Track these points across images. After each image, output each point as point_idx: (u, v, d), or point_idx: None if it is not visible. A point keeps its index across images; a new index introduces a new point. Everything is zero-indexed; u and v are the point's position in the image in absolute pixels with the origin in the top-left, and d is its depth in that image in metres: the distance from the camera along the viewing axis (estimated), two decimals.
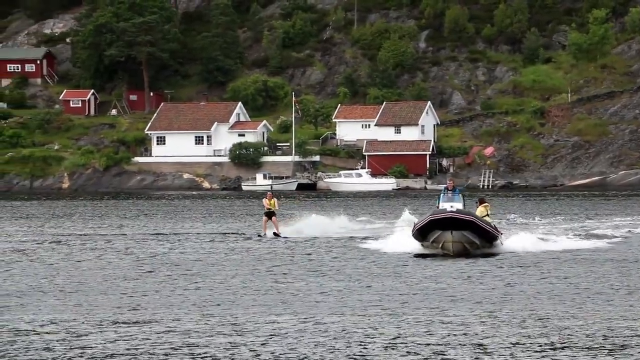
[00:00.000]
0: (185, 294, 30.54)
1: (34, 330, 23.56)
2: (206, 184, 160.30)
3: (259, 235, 54.79)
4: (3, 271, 40.46)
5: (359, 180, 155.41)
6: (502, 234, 42.78)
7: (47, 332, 23.14)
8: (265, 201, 55.00)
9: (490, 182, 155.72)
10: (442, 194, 42.48)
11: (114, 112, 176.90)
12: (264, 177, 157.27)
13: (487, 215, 42.34)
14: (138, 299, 29.43)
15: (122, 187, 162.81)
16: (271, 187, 66.48)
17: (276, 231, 54.32)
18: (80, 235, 66.86)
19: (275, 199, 55.95)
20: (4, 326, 24.73)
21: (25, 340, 22.15)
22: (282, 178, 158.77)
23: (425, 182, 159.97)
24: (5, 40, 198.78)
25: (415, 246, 43.61)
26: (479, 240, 40.21)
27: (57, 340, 22.21)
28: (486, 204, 42.73)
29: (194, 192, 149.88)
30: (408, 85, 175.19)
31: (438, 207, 41.90)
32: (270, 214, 54.60)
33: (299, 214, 67.78)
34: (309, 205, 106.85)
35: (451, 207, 40.15)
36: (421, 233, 40.78)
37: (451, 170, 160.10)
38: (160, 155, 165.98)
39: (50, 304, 29.92)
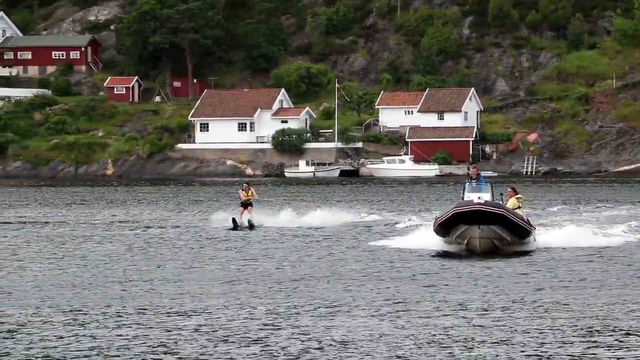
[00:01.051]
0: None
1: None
2: (249, 171, 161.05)
3: (233, 223, 52.40)
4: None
5: (402, 166, 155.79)
6: (535, 228, 38.64)
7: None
8: (241, 193, 54.78)
9: (534, 168, 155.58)
10: (466, 184, 38.96)
11: (157, 98, 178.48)
12: (307, 163, 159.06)
13: (519, 207, 38.19)
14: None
15: (165, 174, 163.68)
16: (249, 182, 65.94)
17: (252, 222, 52.66)
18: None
19: (253, 189, 55.49)
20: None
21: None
22: (324, 165, 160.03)
23: (468, 169, 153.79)
24: (50, 27, 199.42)
25: (431, 243, 39.37)
26: (510, 236, 35.95)
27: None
28: (519, 195, 38.73)
29: (236, 179, 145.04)
30: (451, 71, 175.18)
31: (462, 197, 38.21)
32: (246, 205, 53.78)
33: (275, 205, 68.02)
34: (315, 194, 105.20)
35: (478, 198, 36.28)
36: (444, 227, 36.61)
37: (494, 156, 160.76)
38: (204, 142, 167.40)
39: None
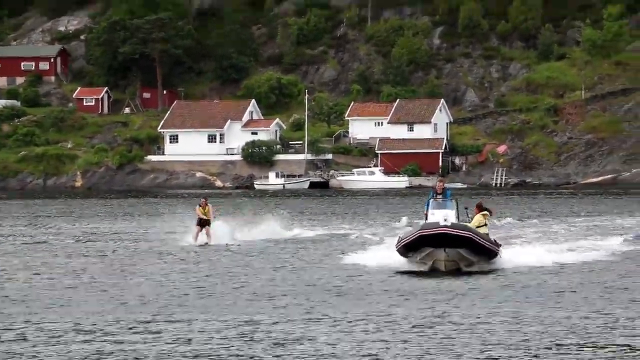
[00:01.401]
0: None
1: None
2: (219, 183, 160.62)
3: (193, 243, 49.85)
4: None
5: (372, 178, 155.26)
6: (500, 246, 36.86)
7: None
8: (198, 210, 50.86)
9: (503, 180, 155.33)
10: (430, 199, 36.48)
11: (127, 110, 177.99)
12: (277, 175, 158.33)
13: (485, 224, 36.24)
14: None
15: (135, 186, 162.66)
16: (205, 197, 60.38)
17: (209, 238, 49.67)
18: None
19: (210, 206, 51.76)
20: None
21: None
22: (294, 176, 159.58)
23: (436, 180, 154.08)
24: (20, 37, 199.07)
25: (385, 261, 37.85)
26: (476, 258, 34.66)
27: None
28: (485, 212, 36.28)
29: (206, 191, 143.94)
30: (422, 82, 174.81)
31: (426, 214, 36.09)
32: (203, 223, 50.26)
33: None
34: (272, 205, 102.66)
35: (445, 219, 34.18)
36: (408, 249, 35.10)
37: (464, 168, 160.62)
38: (173, 153, 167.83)
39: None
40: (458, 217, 34.89)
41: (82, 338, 23.82)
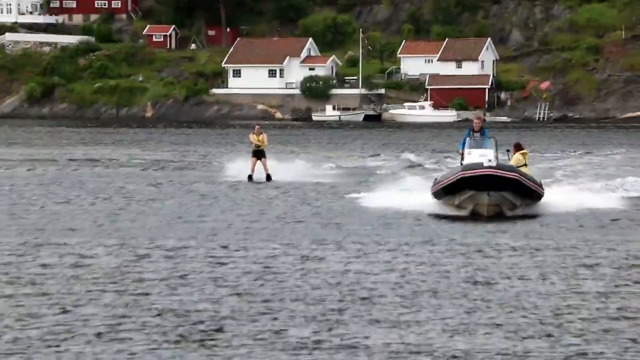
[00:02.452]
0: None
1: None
2: (279, 115, 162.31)
3: (249, 178, 46.69)
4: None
5: (422, 112, 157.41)
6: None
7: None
8: (252, 136, 47.84)
9: (546, 114, 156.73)
10: (467, 137, 33.57)
11: (193, 46, 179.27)
12: (333, 108, 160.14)
13: (525, 165, 33.21)
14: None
15: (200, 116, 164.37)
16: (259, 124, 55.19)
17: (268, 173, 46.85)
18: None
19: (265, 134, 48.39)
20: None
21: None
22: (349, 110, 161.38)
23: (484, 115, 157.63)
24: None
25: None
26: (520, 201, 31.52)
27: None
28: (524, 150, 33.47)
29: (267, 122, 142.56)
30: (469, 22, 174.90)
31: (462, 153, 33.12)
32: (259, 154, 47.20)
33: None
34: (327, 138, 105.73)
35: (489, 160, 30.91)
36: (447, 191, 31.67)
37: (509, 103, 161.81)
38: (236, 87, 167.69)
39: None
40: (497, 157, 31.64)
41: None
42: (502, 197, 30.12)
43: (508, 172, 30.08)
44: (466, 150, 32.22)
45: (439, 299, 18.29)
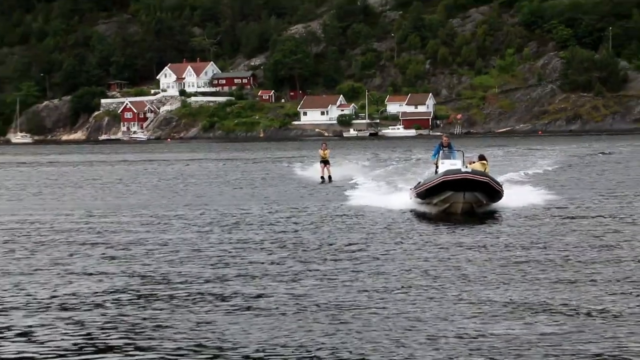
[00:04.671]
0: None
1: None
2: (326, 134, 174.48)
3: (322, 179, 44.39)
4: None
5: (398, 131, 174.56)
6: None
7: None
8: (320, 151, 45.71)
9: (460, 131, 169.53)
10: (439, 150, 30.45)
11: (283, 100, 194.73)
12: (353, 130, 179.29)
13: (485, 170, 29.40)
14: None
15: (287, 136, 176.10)
16: (325, 142, 50.34)
17: (330, 175, 44.74)
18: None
19: (329, 150, 45.81)
20: None
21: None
22: (362, 130, 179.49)
23: (429, 132, 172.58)
24: (234, 67, 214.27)
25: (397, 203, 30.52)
26: (487, 200, 27.85)
27: None
28: (484, 161, 30.01)
29: (321, 137, 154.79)
30: (422, 85, 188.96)
31: (437, 163, 30.06)
32: (325, 162, 45.24)
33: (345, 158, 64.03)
34: (357, 148, 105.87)
35: (466, 167, 27.88)
36: (430, 192, 27.89)
37: (441, 126, 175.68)
38: (305, 121, 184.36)
39: None
40: (463, 164, 29.11)
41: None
42: (474, 196, 27.12)
43: (481, 177, 27.16)
44: (440, 161, 29.93)
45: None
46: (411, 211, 29.18)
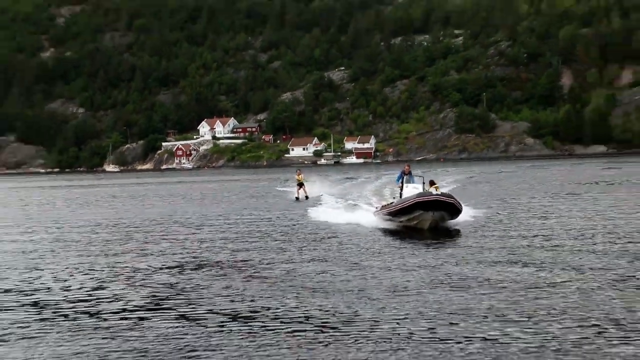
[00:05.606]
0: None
1: None
2: (306, 162, 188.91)
3: (296, 198, 44.02)
4: None
5: (352, 160, 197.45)
6: None
7: None
8: (296, 176, 45.89)
9: (391, 159, 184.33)
10: (401, 176, 30.66)
11: (278, 141, 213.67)
12: (324, 159, 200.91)
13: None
14: None
15: (279, 163, 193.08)
16: (299, 169, 51.30)
17: (306, 195, 44.57)
18: None
19: (302, 175, 45.63)
20: None
21: None
22: (329, 159, 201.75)
23: (372, 160, 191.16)
24: (247, 120, 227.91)
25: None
26: (449, 217, 27.70)
27: None
28: (436, 185, 28.58)
29: (301, 165, 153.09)
30: (366, 128, 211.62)
31: (401, 187, 29.62)
32: (300, 184, 45.05)
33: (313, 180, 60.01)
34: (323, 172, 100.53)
35: (436, 190, 26.78)
36: (402, 212, 27.32)
37: (380, 155, 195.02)
38: (290, 155, 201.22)
39: None
40: (423, 188, 28.86)
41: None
42: (441, 215, 26.91)
43: (449, 198, 26.68)
44: (405, 185, 29.60)
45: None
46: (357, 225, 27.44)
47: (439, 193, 26.17)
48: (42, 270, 19.09)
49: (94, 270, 18.18)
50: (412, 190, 28.26)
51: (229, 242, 22.41)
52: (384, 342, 10.59)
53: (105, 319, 12.60)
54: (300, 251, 19.87)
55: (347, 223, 28.60)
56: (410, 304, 13.00)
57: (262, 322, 11.83)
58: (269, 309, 12.59)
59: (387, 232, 25.34)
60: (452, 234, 24.09)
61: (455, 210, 26.99)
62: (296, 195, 44.99)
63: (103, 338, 11.40)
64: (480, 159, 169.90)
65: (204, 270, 17.39)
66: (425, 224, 26.71)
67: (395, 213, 27.57)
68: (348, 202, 38.92)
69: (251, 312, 12.44)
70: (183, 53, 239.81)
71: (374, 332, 11.13)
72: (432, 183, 28.42)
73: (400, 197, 28.55)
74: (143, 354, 10.58)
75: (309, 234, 24.79)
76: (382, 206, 29.49)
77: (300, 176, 46.11)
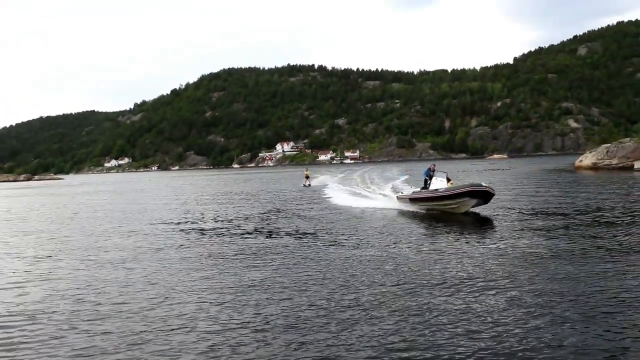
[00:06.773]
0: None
1: None
2: (326, 162, 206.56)
3: (304, 185, 48.59)
4: None
5: (347, 161, 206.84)
6: None
7: None
8: (305, 172, 52.36)
9: (364, 161, 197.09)
10: (428, 172, 28.79)
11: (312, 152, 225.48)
12: (334, 161, 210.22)
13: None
14: None
15: (315, 163, 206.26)
16: (307, 167, 55.61)
17: (310, 184, 49.34)
18: None
19: (310, 171, 51.79)
20: None
21: None
22: (336, 161, 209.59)
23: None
24: (271, 150, 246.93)
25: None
26: (482, 204, 25.82)
27: None
28: (452, 180, 28.37)
29: (326, 164, 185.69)
30: (356, 146, 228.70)
31: (428, 182, 28.11)
32: (307, 177, 51.16)
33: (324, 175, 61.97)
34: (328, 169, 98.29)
35: (486, 183, 25.63)
36: (448, 197, 25.54)
37: (365, 159, 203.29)
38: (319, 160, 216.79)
39: None
40: (448, 182, 27.36)
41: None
42: (479, 202, 25.42)
43: (493, 189, 25.39)
44: (433, 179, 28.08)
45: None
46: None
47: (487, 185, 25.33)
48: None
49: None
50: (439, 183, 27.38)
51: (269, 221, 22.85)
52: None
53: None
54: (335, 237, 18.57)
55: (373, 208, 28.14)
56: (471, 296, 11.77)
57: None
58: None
59: (417, 216, 24.21)
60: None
61: (489, 200, 25.86)
62: (304, 184, 50.38)
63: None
64: (407, 161, 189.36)
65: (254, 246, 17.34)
66: (464, 208, 25.43)
67: (440, 198, 25.78)
68: (367, 189, 39.37)
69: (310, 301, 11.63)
70: (269, 112, 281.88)
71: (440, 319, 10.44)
72: (448, 180, 27.97)
73: (427, 187, 27.67)
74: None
75: (341, 220, 23.29)
76: (413, 192, 28.73)
77: (307, 172, 53.14)
